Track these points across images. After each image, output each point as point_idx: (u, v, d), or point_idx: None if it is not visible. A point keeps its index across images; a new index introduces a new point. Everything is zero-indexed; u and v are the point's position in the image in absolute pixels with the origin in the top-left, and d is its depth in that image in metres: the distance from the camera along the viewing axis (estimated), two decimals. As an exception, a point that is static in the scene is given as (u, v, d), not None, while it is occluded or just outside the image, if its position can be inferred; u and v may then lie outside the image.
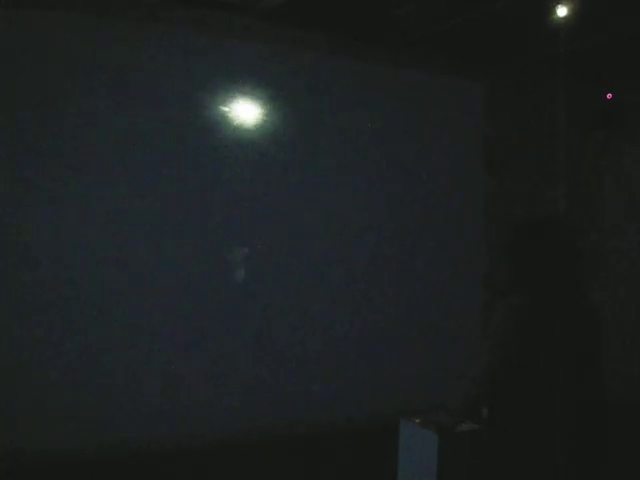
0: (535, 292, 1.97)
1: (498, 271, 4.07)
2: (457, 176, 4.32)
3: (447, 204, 4.28)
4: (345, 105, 3.95)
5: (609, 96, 4.45)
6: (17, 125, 3.17)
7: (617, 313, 4.69)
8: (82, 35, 3.30)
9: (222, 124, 3.62)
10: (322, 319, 3.88)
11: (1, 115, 3.14)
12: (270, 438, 3.68)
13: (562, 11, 3.43)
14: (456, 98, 4.36)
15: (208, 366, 3.58)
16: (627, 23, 3.60)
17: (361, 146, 4.00)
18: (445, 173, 4.27)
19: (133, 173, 3.41)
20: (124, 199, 3.38)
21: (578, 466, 1.93)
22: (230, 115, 3.63)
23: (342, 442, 3.71)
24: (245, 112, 3.67)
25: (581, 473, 1.95)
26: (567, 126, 4.55)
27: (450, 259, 4.28)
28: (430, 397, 3.90)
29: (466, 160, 4.36)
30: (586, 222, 4.67)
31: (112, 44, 3.37)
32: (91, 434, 3.28)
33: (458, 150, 4.33)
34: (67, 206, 3.28)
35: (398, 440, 2.44)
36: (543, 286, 1.98)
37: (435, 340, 4.16)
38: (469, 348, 4.17)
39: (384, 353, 4.02)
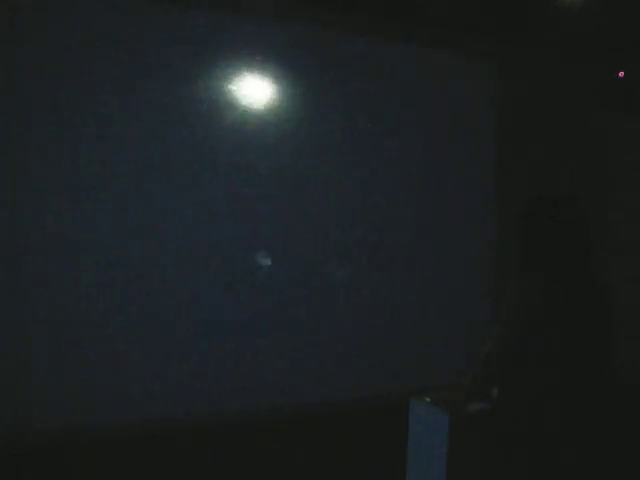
0: (547, 272, 1.96)
1: (508, 253, 4.05)
2: (469, 159, 4.29)
3: (459, 187, 4.26)
4: (354, 83, 3.90)
5: (621, 74, 4.38)
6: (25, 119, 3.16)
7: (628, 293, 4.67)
8: (84, 18, 3.26)
9: (230, 104, 3.59)
10: (328, 304, 3.88)
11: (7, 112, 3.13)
12: (280, 419, 3.71)
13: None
14: (467, 80, 4.31)
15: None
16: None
17: (371, 126, 3.96)
18: (455, 156, 4.25)
19: (140, 160, 3.40)
20: (133, 187, 3.38)
21: (587, 448, 1.94)
22: (239, 95, 3.61)
23: (352, 422, 3.73)
24: (255, 92, 3.65)
25: (589, 455, 1.95)
26: (577, 106, 4.49)
27: (461, 241, 4.27)
28: (440, 377, 3.93)
29: (478, 143, 4.33)
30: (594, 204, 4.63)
31: (115, 26, 3.33)
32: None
33: (469, 133, 4.29)
34: (75, 197, 3.28)
35: (408, 420, 2.44)
36: (555, 266, 1.97)
37: (446, 320, 4.17)
38: (479, 328, 4.18)
39: (395, 334, 4.02)
